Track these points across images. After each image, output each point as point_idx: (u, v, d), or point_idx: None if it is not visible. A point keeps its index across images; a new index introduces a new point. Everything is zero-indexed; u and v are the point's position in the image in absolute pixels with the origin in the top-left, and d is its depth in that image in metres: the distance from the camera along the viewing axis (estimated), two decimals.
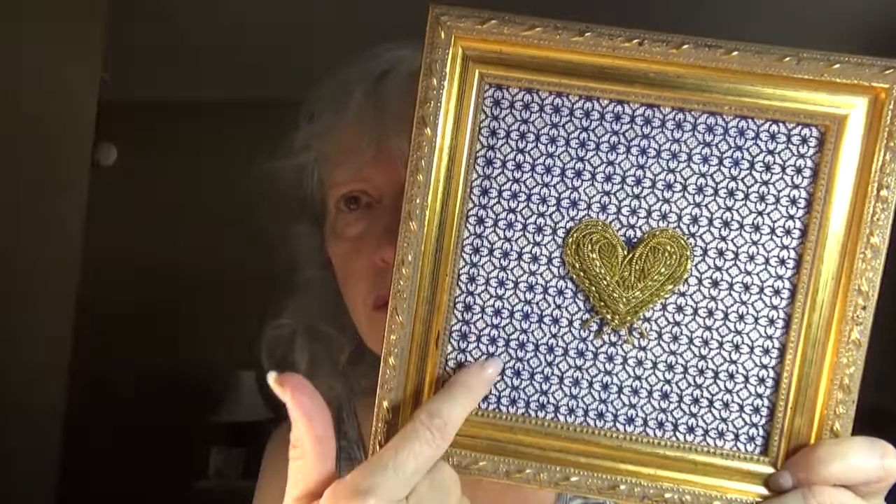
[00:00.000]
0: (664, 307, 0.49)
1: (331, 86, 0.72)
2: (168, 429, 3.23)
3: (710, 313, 0.49)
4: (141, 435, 3.22)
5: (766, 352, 0.49)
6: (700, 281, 0.49)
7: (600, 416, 0.50)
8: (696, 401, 0.49)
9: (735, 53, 0.47)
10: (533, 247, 0.50)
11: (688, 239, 0.49)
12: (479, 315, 0.50)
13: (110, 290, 3.09)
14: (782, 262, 0.48)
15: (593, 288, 0.49)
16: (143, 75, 3.00)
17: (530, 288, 0.50)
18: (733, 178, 0.48)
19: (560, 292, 0.50)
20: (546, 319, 0.50)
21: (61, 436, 1.99)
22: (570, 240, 0.49)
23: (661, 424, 0.49)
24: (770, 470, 0.48)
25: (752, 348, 0.49)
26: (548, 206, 0.49)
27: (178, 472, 3.11)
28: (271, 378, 0.47)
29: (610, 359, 0.50)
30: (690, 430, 0.49)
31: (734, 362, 0.49)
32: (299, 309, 0.80)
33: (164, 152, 3.39)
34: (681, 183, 0.49)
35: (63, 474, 2.02)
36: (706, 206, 0.49)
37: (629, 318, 0.49)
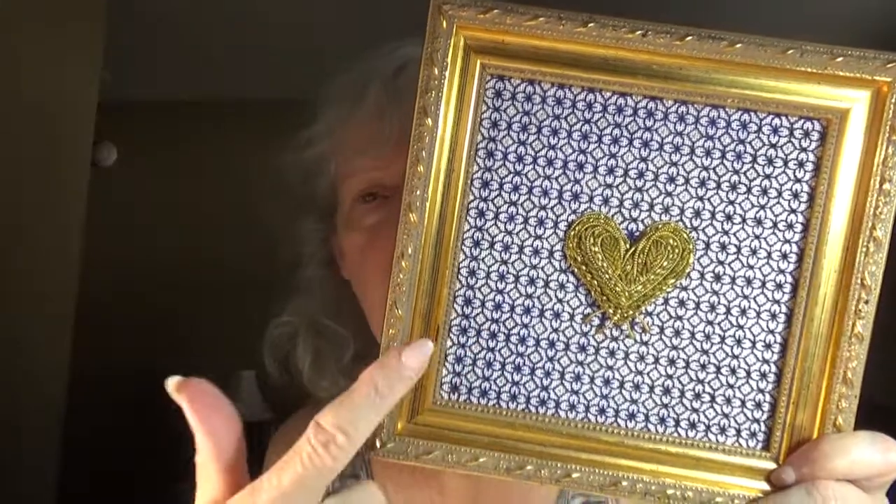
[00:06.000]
0: (666, 301, 0.49)
1: (346, 80, 0.72)
2: (168, 429, 3.22)
3: (713, 308, 0.49)
4: (141, 435, 3.22)
5: (768, 346, 0.48)
6: (702, 275, 0.49)
7: (601, 411, 0.49)
8: (697, 396, 0.49)
9: (739, 46, 0.47)
10: (534, 240, 0.49)
11: (690, 233, 0.48)
12: (480, 309, 0.50)
13: (110, 290, 3.09)
14: (784, 256, 0.48)
15: (595, 282, 0.49)
16: (143, 75, 3.00)
17: (531, 282, 0.49)
18: (736, 172, 0.48)
19: (561, 286, 0.49)
20: (547, 314, 0.49)
21: (61, 436, 1.99)
22: (572, 233, 0.49)
23: (662, 420, 0.49)
24: (772, 465, 0.48)
25: (753, 343, 0.49)
26: (549, 198, 0.49)
27: (178, 472, 3.11)
28: (170, 384, 0.42)
29: (611, 354, 0.49)
30: (692, 425, 0.49)
31: (736, 357, 0.49)
32: (302, 306, 0.80)
33: (164, 152, 3.39)
34: (683, 176, 0.48)
35: (63, 474, 2.01)
36: (709, 199, 0.48)
37: (631, 312, 0.49)
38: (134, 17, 2.51)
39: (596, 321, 0.49)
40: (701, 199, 0.48)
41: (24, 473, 1.88)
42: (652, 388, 0.49)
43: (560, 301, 0.49)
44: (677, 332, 0.49)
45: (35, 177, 1.84)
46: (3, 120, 1.71)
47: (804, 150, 0.48)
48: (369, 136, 0.66)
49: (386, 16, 1.71)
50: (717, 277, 0.49)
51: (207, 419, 0.43)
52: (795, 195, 0.48)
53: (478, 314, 0.50)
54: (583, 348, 0.49)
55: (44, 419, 1.95)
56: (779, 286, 0.48)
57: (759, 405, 0.49)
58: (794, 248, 0.48)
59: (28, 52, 1.79)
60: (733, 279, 0.48)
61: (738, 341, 0.49)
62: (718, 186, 0.48)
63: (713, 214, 0.48)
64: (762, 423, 0.49)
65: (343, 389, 0.78)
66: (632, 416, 0.49)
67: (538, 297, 0.49)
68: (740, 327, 0.49)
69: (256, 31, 2.75)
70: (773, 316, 0.48)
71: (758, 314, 0.48)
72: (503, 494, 0.70)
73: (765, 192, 0.48)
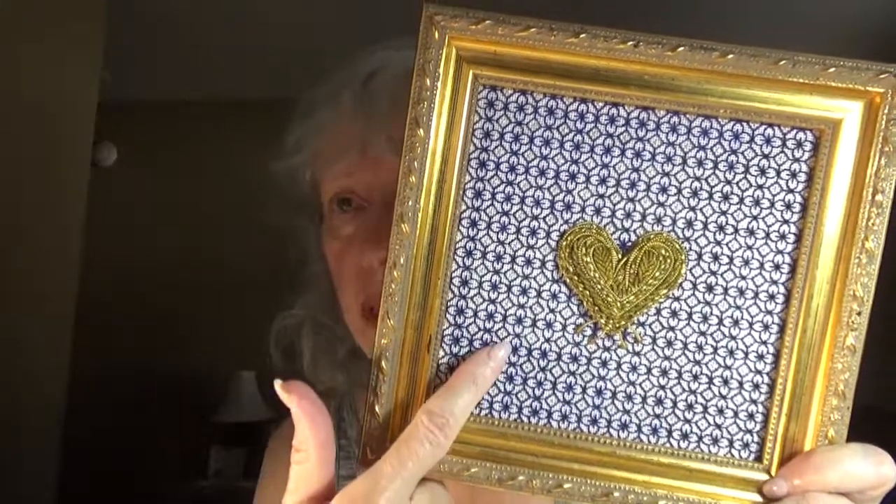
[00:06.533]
0: (658, 312, 0.49)
1: (322, 87, 0.73)
2: (168, 429, 3.23)
3: (705, 318, 0.48)
4: (141, 435, 3.22)
5: (761, 357, 0.48)
6: (694, 285, 0.48)
7: (594, 422, 0.49)
8: (690, 407, 0.49)
9: (730, 56, 0.46)
10: (526, 250, 0.49)
11: (682, 243, 0.48)
12: (472, 319, 0.50)
13: (110, 290, 3.09)
14: (777, 266, 0.48)
15: (587, 292, 0.49)
16: (143, 75, 3.00)
17: (524, 292, 0.49)
18: (728, 182, 0.48)
19: (554, 296, 0.49)
20: (539, 324, 0.49)
21: (61, 436, 1.99)
22: (564, 243, 0.49)
23: (655, 430, 0.49)
24: (764, 477, 0.48)
25: (746, 354, 0.48)
26: (541, 208, 0.49)
27: (178, 472, 3.11)
28: (278, 384, 0.48)
29: (604, 364, 0.49)
30: (685, 436, 0.49)
31: (729, 368, 0.48)
32: (306, 301, 0.81)
33: (164, 152, 3.39)
34: (675, 186, 0.48)
35: (63, 474, 2.02)
36: (701, 209, 0.48)
37: (623, 322, 0.49)
38: (134, 17, 2.51)
39: (588, 331, 0.49)
40: (693, 209, 0.48)
41: (24, 473, 1.88)
42: (644, 399, 0.49)
43: (552, 311, 0.49)
44: (669, 343, 0.49)
45: (35, 177, 1.84)
46: (3, 120, 1.71)
47: (797, 160, 0.48)
48: (339, 143, 0.67)
49: (386, 16, 1.71)
50: (710, 288, 0.48)
51: (311, 415, 0.47)
52: (788, 206, 0.48)
53: (470, 324, 0.50)
54: (575, 358, 0.49)
55: (44, 419, 1.95)
56: (771, 297, 0.48)
57: (751, 416, 0.49)
58: (787, 259, 0.48)
59: (28, 52, 1.79)
60: (726, 290, 0.48)
61: (731, 352, 0.48)
62: (710, 197, 0.48)
63: (705, 225, 0.48)
64: (755, 435, 0.49)
65: (341, 384, 0.79)
66: (624, 426, 0.49)
67: (530, 307, 0.49)
68: (733, 338, 0.48)
69: (256, 31, 2.75)
70: (766, 327, 0.48)
71: (750, 325, 0.48)
72: (498, 499, 0.70)
73: (757, 202, 0.48)
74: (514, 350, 0.49)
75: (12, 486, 1.83)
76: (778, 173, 0.48)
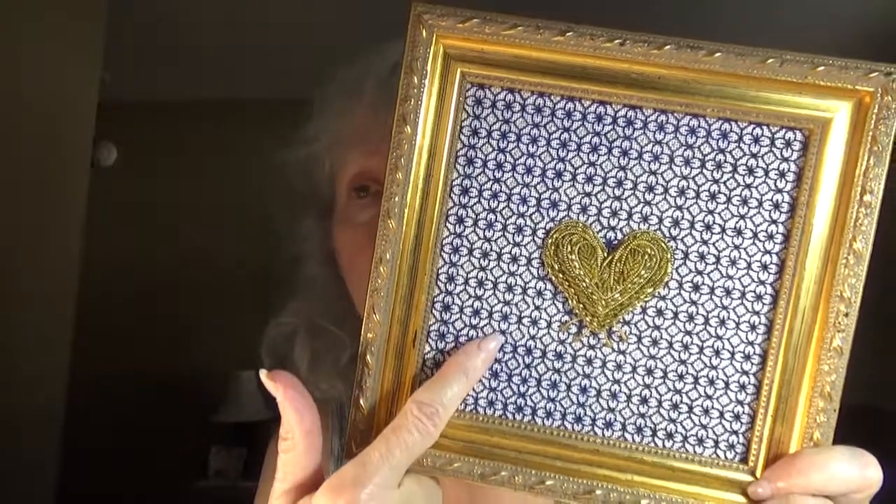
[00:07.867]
0: (644, 310, 0.48)
1: (344, 76, 0.73)
2: (168, 429, 3.22)
3: (691, 318, 0.48)
4: (141, 435, 3.22)
5: (747, 358, 0.48)
6: (681, 285, 0.48)
7: (578, 419, 0.49)
8: (675, 406, 0.49)
9: (717, 55, 0.46)
10: (513, 247, 0.49)
11: (669, 242, 0.48)
12: (458, 315, 0.50)
13: (110, 290, 3.09)
14: (764, 266, 0.48)
15: (572, 290, 0.48)
16: (143, 75, 3.00)
17: (509, 289, 0.49)
18: (715, 181, 0.48)
19: (539, 293, 0.49)
20: (525, 321, 0.49)
21: (61, 436, 1.99)
22: (550, 241, 0.49)
23: (639, 429, 0.49)
24: (749, 478, 0.48)
25: (732, 354, 0.48)
26: (528, 206, 0.49)
27: (178, 472, 3.11)
28: (263, 374, 0.48)
29: (589, 362, 0.49)
30: (669, 435, 0.49)
31: (714, 368, 0.48)
32: (302, 306, 0.81)
33: (164, 152, 3.39)
34: (662, 185, 0.48)
35: (63, 474, 2.02)
36: (688, 208, 0.48)
37: (608, 320, 0.48)
38: (134, 17, 2.51)
39: (573, 329, 0.49)
40: (680, 208, 0.48)
41: (24, 473, 1.88)
42: (629, 397, 0.49)
43: (538, 308, 0.49)
44: (655, 342, 0.48)
45: (35, 177, 1.84)
46: (3, 120, 1.72)
47: (785, 160, 0.47)
48: (362, 131, 0.67)
49: (386, 16, 1.71)
50: (696, 287, 0.48)
51: (296, 404, 0.47)
52: (776, 205, 0.48)
53: (456, 320, 0.50)
54: (560, 356, 0.49)
55: (44, 419, 1.95)
56: (758, 297, 0.48)
57: (737, 417, 0.48)
58: (775, 259, 0.48)
59: (28, 52, 1.79)
60: (712, 289, 0.48)
61: (717, 352, 0.48)
62: (698, 196, 0.48)
63: (692, 224, 0.48)
64: (740, 436, 0.48)
65: (341, 392, 0.79)
66: (609, 424, 0.49)
67: (516, 304, 0.49)
68: (719, 338, 0.48)
69: (256, 31, 2.75)
70: (753, 327, 0.48)
71: (737, 325, 0.48)
72: (497, 500, 0.70)
73: (745, 202, 0.48)
74: (500, 346, 0.49)
75: (12, 486, 1.83)
76: (766, 173, 0.48)
